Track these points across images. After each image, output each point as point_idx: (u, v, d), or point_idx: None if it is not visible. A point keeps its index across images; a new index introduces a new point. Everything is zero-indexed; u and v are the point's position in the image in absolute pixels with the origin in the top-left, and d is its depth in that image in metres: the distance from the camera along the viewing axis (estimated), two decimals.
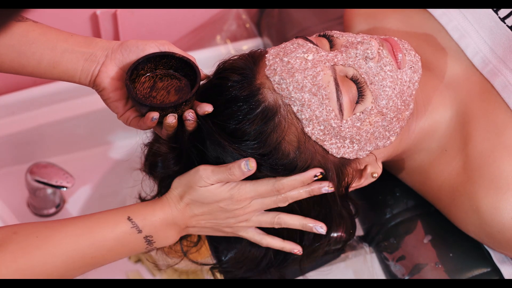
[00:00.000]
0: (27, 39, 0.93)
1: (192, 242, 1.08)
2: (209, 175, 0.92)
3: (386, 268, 1.12)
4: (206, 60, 1.45)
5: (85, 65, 0.94)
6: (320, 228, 0.97)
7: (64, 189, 1.27)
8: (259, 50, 0.97)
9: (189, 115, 0.92)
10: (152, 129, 1.01)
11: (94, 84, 0.95)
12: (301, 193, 0.94)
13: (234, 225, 0.96)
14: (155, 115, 0.91)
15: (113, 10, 1.38)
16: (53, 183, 1.27)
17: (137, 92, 0.94)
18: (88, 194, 1.38)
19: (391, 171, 1.12)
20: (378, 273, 1.14)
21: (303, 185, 0.94)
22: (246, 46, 1.47)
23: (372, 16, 1.15)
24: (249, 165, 0.90)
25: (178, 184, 0.94)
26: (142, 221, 0.92)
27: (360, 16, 1.16)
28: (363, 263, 1.17)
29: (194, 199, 0.93)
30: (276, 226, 0.97)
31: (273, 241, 0.98)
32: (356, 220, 1.13)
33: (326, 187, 0.94)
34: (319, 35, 0.97)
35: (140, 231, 0.92)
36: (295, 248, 0.99)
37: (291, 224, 0.97)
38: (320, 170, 0.93)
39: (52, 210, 1.34)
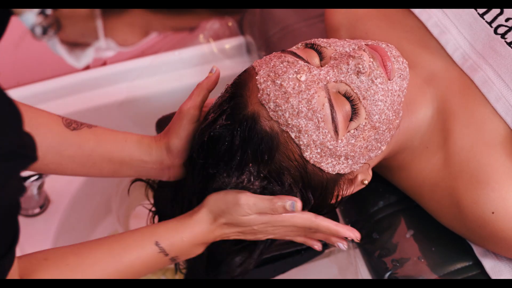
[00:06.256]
0: (83, 151, 0.93)
1: None
2: (251, 207, 0.91)
3: (369, 263, 1.12)
4: (189, 59, 1.46)
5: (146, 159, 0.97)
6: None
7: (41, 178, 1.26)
8: (246, 72, 0.95)
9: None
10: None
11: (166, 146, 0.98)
12: (329, 235, 0.98)
13: (261, 238, 0.97)
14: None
15: None
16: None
17: None
18: (73, 194, 1.37)
19: (374, 168, 1.12)
20: (361, 268, 1.14)
21: (337, 233, 0.96)
22: (229, 44, 1.47)
23: (353, 14, 1.15)
24: (295, 206, 0.91)
25: (214, 205, 0.93)
26: (169, 246, 0.92)
27: (341, 15, 1.16)
28: (347, 259, 1.17)
29: (229, 222, 0.93)
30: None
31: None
32: (339, 216, 1.14)
33: (342, 245, 0.99)
34: (306, 46, 0.95)
35: (167, 254, 0.92)
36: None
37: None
38: (358, 235, 0.97)
39: (37, 210, 1.33)
